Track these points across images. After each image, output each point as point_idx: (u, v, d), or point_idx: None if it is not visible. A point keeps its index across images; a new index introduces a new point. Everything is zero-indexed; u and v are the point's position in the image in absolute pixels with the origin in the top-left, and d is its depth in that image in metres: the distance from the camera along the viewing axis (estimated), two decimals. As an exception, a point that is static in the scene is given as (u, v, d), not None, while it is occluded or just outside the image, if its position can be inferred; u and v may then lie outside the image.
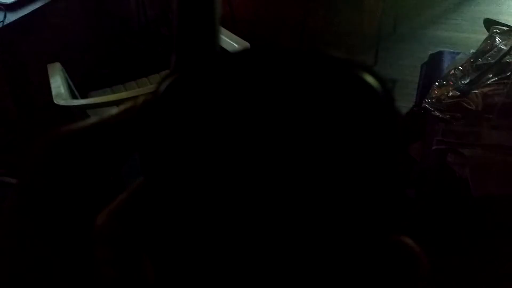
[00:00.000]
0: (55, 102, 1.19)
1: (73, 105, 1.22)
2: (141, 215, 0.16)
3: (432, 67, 1.71)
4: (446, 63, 1.65)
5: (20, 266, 0.15)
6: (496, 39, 1.51)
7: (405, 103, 1.81)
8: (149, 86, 1.49)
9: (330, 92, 0.14)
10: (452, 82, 1.46)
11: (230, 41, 1.35)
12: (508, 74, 1.35)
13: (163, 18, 2.45)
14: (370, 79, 0.14)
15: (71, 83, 1.43)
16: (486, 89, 1.36)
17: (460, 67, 1.49)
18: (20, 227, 0.15)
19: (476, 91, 1.36)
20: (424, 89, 1.63)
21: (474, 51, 1.55)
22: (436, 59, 1.73)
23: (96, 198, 0.16)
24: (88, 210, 0.16)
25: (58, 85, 1.25)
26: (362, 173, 0.14)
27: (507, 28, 1.60)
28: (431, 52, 1.83)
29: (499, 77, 1.36)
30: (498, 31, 1.57)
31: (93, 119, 0.16)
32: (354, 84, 0.14)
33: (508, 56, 1.39)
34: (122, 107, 0.17)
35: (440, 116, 1.41)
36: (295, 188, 0.14)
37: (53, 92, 1.23)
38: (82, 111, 1.31)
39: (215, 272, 0.14)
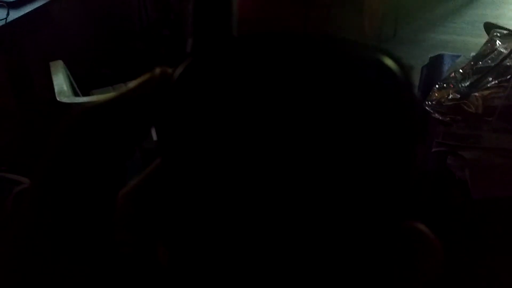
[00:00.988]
0: (57, 99, 1.19)
1: (76, 102, 1.22)
2: (156, 198, 0.16)
3: (433, 70, 1.72)
4: (446, 66, 1.66)
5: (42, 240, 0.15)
6: (496, 43, 1.52)
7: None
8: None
9: (349, 75, 0.14)
10: (453, 85, 1.47)
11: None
12: (508, 77, 1.35)
13: (165, 19, 2.46)
14: (389, 62, 0.14)
15: (73, 81, 1.44)
16: (486, 92, 1.37)
17: (460, 70, 1.50)
18: (42, 209, 0.15)
19: (476, 94, 1.37)
20: (424, 91, 1.64)
21: (474, 54, 1.56)
22: (436, 62, 1.74)
23: (118, 177, 0.16)
24: (111, 189, 0.16)
25: (60, 82, 1.25)
26: (381, 157, 0.13)
27: (507, 31, 1.61)
28: (431, 55, 1.84)
29: (499, 80, 1.37)
30: (498, 34, 1.58)
31: (112, 93, 0.16)
32: (374, 67, 0.14)
33: (508, 59, 1.40)
34: (139, 80, 0.16)
35: (440, 118, 1.42)
36: (312, 172, 0.13)
37: (56, 90, 1.23)
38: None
39: (226, 257, 0.14)
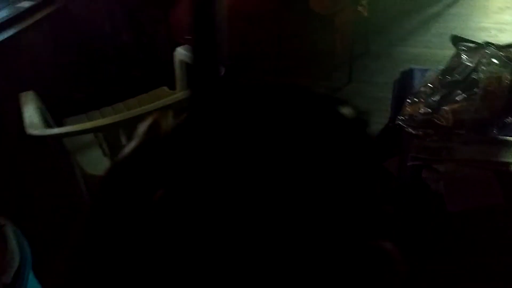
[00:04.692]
0: (27, 132, 1.17)
1: (47, 135, 1.20)
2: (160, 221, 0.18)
3: (404, 84, 1.76)
4: (417, 79, 1.70)
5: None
6: (463, 56, 1.56)
7: (380, 119, 1.85)
8: (126, 112, 1.47)
9: (315, 122, 0.17)
10: (423, 99, 1.50)
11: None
12: (475, 90, 1.39)
13: (138, 42, 2.45)
14: (346, 110, 0.17)
15: (45, 111, 1.41)
16: (455, 106, 1.40)
17: (429, 84, 1.53)
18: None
19: (446, 108, 1.40)
20: (397, 105, 1.67)
21: (442, 67, 1.60)
22: (407, 76, 1.78)
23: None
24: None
25: (30, 114, 1.23)
26: (342, 190, 0.16)
27: (473, 45, 1.66)
28: (402, 69, 1.88)
29: (467, 93, 1.41)
30: (465, 48, 1.63)
31: (130, 144, 0.20)
32: (333, 115, 0.17)
33: (474, 73, 1.44)
34: (145, 125, 0.20)
35: (413, 132, 1.44)
36: (286, 200, 0.16)
37: (26, 122, 1.21)
38: (57, 139, 1.29)
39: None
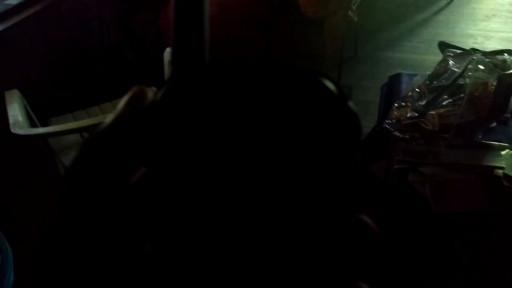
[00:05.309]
0: (12, 131, 1.15)
1: (31, 134, 1.19)
2: (142, 202, 0.17)
3: (391, 89, 1.78)
4: (404, 84, 1.72)
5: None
6: (450, 62, 1.59)
7: (367, 122, 1.87)
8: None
9: (297, 94, 0.17)
10: (410, 103, 1.52)
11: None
12: (461, 95, 1.41)
13: (127, 42, 2.44)
14: (328, 83, 0.17)
15: (30, 110, 1.39)
16: (441, 110, 1.42)
17: (417, 89, 1.55)
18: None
19: (433, 112, 1.42)
20: (385, 109, 1.69)
21: (429, 73, 1.62)
22: (394, 81, 1.80)
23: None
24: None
25: (15, 113, 1.21)
26: (325, 163, 0.16)
27: (460, 51, 1.69)
28: (390, 73, 1.90)
29: (453, 98, 1.43)
30: (452, 54, 1.65)
31: (110, 116, 0.19)
32: (315, 86, 0.17)
33: (460, 79, 1.46)
34: (126, 98, 0.19)
35: (400, 136, 1.46)
36: (269, 178, 0.16)
37: (10, 121, 1.19)
38: (42, 139, 1.27)
39: (205, 255, 0.16)
